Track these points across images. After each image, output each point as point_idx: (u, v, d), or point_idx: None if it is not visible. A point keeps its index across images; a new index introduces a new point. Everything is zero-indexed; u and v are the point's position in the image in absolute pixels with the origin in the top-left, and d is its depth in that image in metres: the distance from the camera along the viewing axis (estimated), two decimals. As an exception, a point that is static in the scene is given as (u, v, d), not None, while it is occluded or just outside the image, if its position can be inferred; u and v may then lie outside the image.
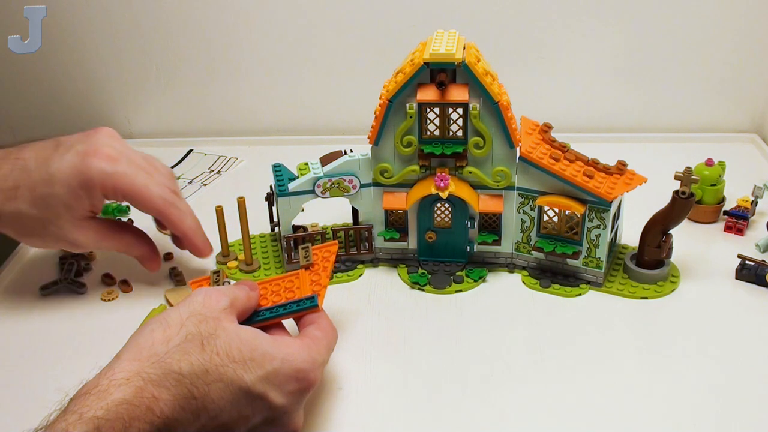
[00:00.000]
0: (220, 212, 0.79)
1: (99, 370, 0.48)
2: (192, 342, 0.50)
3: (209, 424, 0.49)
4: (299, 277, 0.64)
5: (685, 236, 0.81)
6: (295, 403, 0.54)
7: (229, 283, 0.65)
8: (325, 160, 0.78)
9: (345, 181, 0.76)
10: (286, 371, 0.52)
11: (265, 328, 0.57)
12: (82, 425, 0.44)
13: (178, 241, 0.75)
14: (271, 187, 0.80)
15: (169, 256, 0.83)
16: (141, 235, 0.75)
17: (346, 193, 0.77)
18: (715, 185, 0.86)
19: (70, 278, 0.79)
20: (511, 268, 0.79)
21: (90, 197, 0.67)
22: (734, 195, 0.88)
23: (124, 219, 0.90)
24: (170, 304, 0.74)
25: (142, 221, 0.85)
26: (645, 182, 0.73)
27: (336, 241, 0.68)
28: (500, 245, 0.78)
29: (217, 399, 0.49)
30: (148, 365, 0.48)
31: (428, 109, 0.73)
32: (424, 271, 0.79)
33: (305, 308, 0.60)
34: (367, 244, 0.80)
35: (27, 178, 0.66)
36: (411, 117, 0.72)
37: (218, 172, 1.06)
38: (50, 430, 0.44)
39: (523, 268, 0.79)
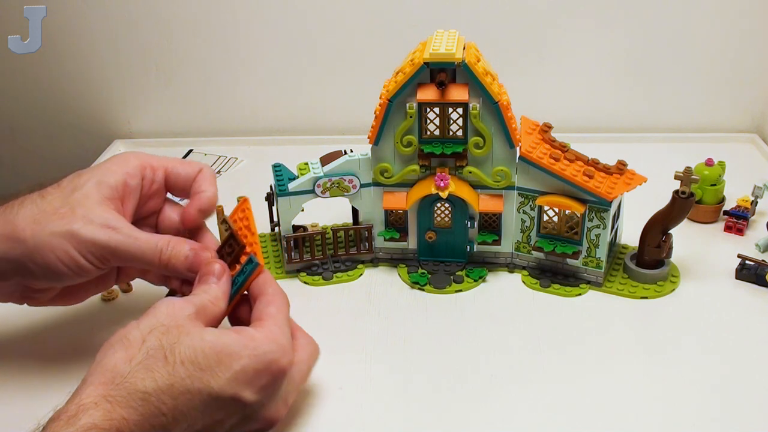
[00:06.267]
0: (220, 212, 0.79)
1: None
2: (154, 357, 0.49)
3: None
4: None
5: (685, 236, 0.81)
6: (270, 395, 0.53)
7: (228, 225, 0.61)
8: (325, 160, 0.78)
9: (345, 180, 0.76)
10: (256, 366, 0.51)
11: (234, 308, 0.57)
12: None
13: None
14: (271, 187, 0.80)
15: None
16: None
17: (346, 193, 0.77)
18: (715, 185, 0.86)
19: None
20: (511, 268, 0.79)
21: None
22: (734, 195, 0.87)
23: None
24: None
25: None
26: (645, 182, 0.73)
27: (245, 197, 0.64)
28: (500, 245, 0.78)
29: (187, 410, 0.49)
30: (112, 388, 0.47)
31: (428, 109, 0.73)
32: (424, 270, 0.79)
33: (250, 274, 0.57)
34: (367, 244, 0.80)
35: None
36: (411, 117, 0.72)
37: (218, 172, 1.06)
38: None
39: (523, 267, 0.79)
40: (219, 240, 0.63)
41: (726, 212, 0.86)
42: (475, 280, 0.77)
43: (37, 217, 0.57)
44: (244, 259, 0.58)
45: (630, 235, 0.81)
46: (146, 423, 0.47)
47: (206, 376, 0.49)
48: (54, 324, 0.73)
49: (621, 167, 0.74)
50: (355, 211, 0.81)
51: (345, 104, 1.14)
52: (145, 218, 0.65)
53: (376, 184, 0.77)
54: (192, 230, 0.64)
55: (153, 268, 0.59)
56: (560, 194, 0.73)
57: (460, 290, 0.77)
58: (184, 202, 0.65)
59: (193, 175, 0.64)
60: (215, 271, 0.57)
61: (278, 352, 0.53)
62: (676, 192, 0.73)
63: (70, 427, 0.45)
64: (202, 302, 0.54)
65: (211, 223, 0.65)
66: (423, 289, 0.77)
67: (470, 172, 0.74)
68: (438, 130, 0.74)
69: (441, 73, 0.70)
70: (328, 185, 0.76)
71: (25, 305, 0.65)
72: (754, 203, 0.86)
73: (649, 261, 0.76)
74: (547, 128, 0.77)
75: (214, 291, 0.56)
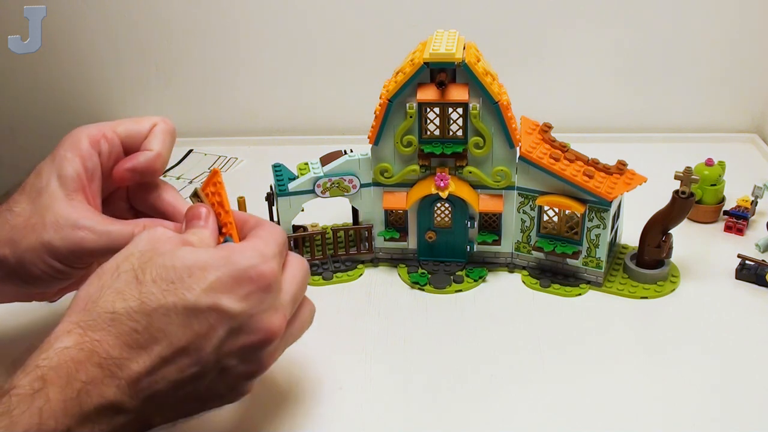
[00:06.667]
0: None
1: None
2: (125, 280, 0.48)
3: (166, 353, 0.47)
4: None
5: (685, 236, 0.81)
6: (258, 304, 0.49)
7: (200, 199, 0.57)
8: (325, 160, 0.78)
9: (345, 180, 0.76)
10: (233, 274, 0.48)
11: None
12: (25, 377, 0.43)
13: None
14: (271, 187, 0.80)
15: None
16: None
17: (346, 193, 0.77)
18: (715, 185, 0.86)
19: None
20: (511, 267, 0.79)
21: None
22: (734, 195, 0.87)
23: None
24: None
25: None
26: (645, 182, 0.73)
27: (215, 169, 0.59)
28: (500, 245, 0.78)
29: (164, 326, 0.47)
30: (84, 314, 0.47)
31: (428, 109, 0.73)
32: (424, 270, 0.79)
33: None
34: (367, 244, 0.80)
35: None
36: (411, 117, 0.72)
37: (218, 172, 1.06)
38: None
39: (523, 267, 0.79)
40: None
41: (726, 212, 0.86)
42: (475, 280, 0.77)
43: (11, 234, 0.57)
44: (220, 239, 0.55)
45: (630, 235, 0.81)
46: (120, 342, 0.46)
47: (179, 289, 0.47)
48: (54, 322, 0.73)
49: (621, 167, 0.74)
50: (355, 211, 0.81)
51: (345, 104, 1.14)
52: (117, 191, 0.63)
53: (376, 184, 0.77)
54: (153, 194, 0.60)
55: None
56: (560, 194, 0.73)
57: (460, 290, 0.76)
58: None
59: (146, 134, 0.60)
60: (201, 214, 0.55)
61: (256, 258, 0.50)
62: (676, 192, 0.73)
63: (42, 353, 0.44)
64: (188, 238, 0.52)
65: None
66: (423, 289, 0.77)
67: (470, 172, 0.74)
68: (438, 130, 0.74)
69: (441, 73, 0.70)
70: (328, 185, 0.76)
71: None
72: (754, 203, 0.86)
73: (649, 261, 0.76)
74: (547, 128, 0.77)
75: (201, 233, 0.53)
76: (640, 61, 1.09)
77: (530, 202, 0.75)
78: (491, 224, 0.78)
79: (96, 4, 1.09)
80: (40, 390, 0.43)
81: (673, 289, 0.75)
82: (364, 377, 0.65)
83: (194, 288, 0.47)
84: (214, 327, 0.48)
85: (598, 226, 0.73)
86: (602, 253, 0.74)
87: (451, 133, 0.74)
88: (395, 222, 0.80)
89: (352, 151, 0.78)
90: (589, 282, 0.76)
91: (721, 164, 0.87)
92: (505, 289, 0.77)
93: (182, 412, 0.50)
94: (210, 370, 0.49)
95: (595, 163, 0.73)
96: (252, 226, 0.55)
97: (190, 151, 1.12)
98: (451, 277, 0.78)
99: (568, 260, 0.76)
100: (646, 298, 0.74)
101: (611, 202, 0.71)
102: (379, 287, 0.78)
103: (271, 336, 0.50)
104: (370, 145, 0.75)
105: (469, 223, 0.77)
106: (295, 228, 0.80)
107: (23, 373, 0.43)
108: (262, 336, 0.50)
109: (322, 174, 0.76)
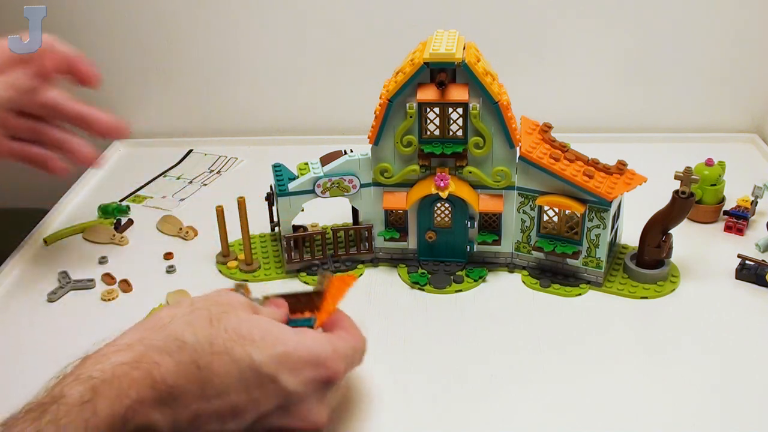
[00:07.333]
0: (220, 212, 0.79)
1: None
2: (199, 317, 0.49)
3: (216, 401, 0.47)
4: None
5: (685, 236, 0.81)
6: (312, 393, 0.50)
7: (323, 285, 0.61)
8: (325, 160, 0.78)
9: (345, 180, 0.76)
10: (301, 355, 0.49)
11: None
12: (77, 385, 0.43)
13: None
14: (271, 187, 0.80)
15: (168, 255, 0.83)
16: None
17: (346, 193, 0.77)
18: (715, 185, 0.86)
19: (74, 279, 0.79)
20: (511, 268, 0.79)
21: None
22: (734, 195, 0.88)
23: (124, 219, 0.91)
24: None
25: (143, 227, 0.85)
26: (645, 182, 0.73)
27: (354, 274, 0.66)
28: (500, 245, 0.78)
29: (223, 373, 0.47)
30: (151, 333, 0.47)
31: (428, 109, 0.73)
32: (424, 270, 0.79)
33: (302, 326, 0.56)
34: (367, 244, 0.80)
35: None
36: (411, 117, 0.72)
37: (218, 172, 1.06)
38: (47, 394, 0.43)
39: (523, 267, 0.79)
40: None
41: (726, 212, 0.86)
42: (475, 280, 0.77)
43: None
44: (308, 314, 0.59)
45: (630, 235, 0.81)
46: (179, 371, 0.46)
47: (248, 346, 0.48)
48: (55, 323, 0.73)
49: (621, 167, 0.74)
50: (355, 211, 0.81)
51: (345, 104, 1.14)
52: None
53: (376, 184, 0.77)
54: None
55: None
56: (560, 194, 0.73)
57: (460, 290, 0.76)
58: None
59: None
60: (279, 304, 0.58)
61: (329, 352, 0.51)
62: (676, 192, 0.73)
63: (98, 364, 0.45)
64: (260, 307, 0.55)
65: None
66: (423, 289, 0.77)
67: (470, 172, 0.74)
68: (438, 130, 0.74)
69: (441, 73, 0.70)
70: (328, 185, 0.76)
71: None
72: (754, 203, 0.86)
73: (649, 261, 0.76)
74: (547, 128, 0.77)
75: (271, 310, 0.56)
76: (640, 61, 1.09)
77: (530, 202, 0.75)
78: (491, 224, 0.78)
79: (96, 4, 1.09)
80: (90, 401, 0.43)
81: (673, 289, 0.75)
82: (364, 377, 0.65)
83: (263, 351, 0.48)
84: (267, 397, 0.49)
85: (598, 226, 0.73)
86: (602, 253, 0.74)
87: (451, 133, 0.74)
88: (395, 222, 0.80)
89: (352, 151, 0.78)
90: (589, 282, 0.76)
91: (721, 164, 0.87)
92: (505, 289, 0.77)
93: None
94: None
95: (595, 163, 0.73)
96: (341, 323, 0.57)
97: (190, 151, 1.12)
98: (451, 277, 0.78)
99: (568, 260, 0.76)
100: (646, 298, 0.74)
101: (611, 202, 0.71)
102: (379, 287, 0.78)
103: (312, 428, 0.51)
104: (370, 145, 0.75)
105: (469, 223, 0.77)
106: (295, 228, 0.80)
107: (76, 381, 0.43)
108: (305, 425, 0.50)
109: (322, 174, 0.76)
